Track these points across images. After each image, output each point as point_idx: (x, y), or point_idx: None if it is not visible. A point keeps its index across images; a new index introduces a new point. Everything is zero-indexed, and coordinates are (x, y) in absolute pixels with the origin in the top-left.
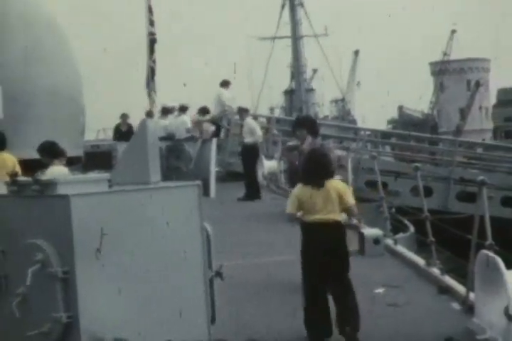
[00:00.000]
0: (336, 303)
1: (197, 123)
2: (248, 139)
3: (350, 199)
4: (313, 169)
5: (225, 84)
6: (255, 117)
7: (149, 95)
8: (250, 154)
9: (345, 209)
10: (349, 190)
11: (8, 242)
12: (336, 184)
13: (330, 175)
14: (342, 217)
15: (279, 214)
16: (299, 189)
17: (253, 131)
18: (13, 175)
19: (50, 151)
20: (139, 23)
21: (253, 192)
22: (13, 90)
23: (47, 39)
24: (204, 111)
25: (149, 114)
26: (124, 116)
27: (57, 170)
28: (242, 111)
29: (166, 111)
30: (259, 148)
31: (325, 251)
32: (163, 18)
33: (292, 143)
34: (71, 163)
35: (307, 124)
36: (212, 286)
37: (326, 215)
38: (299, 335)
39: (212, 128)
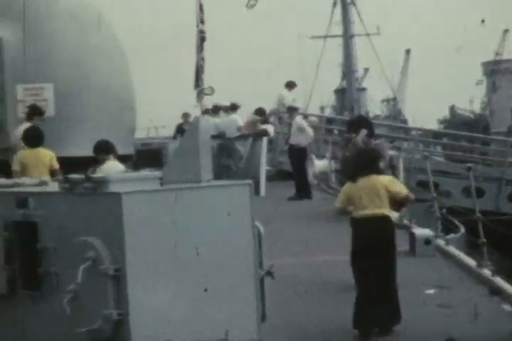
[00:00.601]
0: (378, 298)
1: (250, 124)
2: (297, 138)
3: (402, 189)
4: (360, 165)
5: (289, 85)
6: (306, 116)
7: (198, 93)
8: (298, 153)
9: (401, 200)
10: (397, 181)
11: (59, 239)
12: (382, 179)
13: (376, 171)
14: (391, 213)
15: (330, 213)
16: (348, 185)
17: (302, 130)
18: (53, 171)
19: (105, 148)
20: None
21: (303, 191)
22: (64, 89)
23: (98, 38)
24: (260, 112)
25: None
26: (186, 116)
27: (112, 165)
28: (292, 110)
29: (217, 110)
30: (309, 148)
31: (372, 246)
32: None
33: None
34: (122, 161)
35: (364, 125)
36: (263, 285)
37: (373, 210)
38: (349, 334)
39: (271, 128)
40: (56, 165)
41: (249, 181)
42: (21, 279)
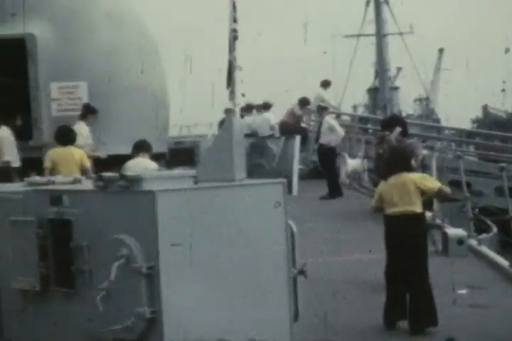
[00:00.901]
0: (410, 297)
1: (291, 114)
2: (327, 138)
3: (434, 184)
4: (392, 163)
5: (325, 84)
6: (338, 115)
7: (230, 92)
8: (328, 153)
9: (436, 195)
10: (429, 177)
11: (93, 237)
12: (412, 176)
13: (407, 168)
14: (421, 209)
15: (362, 212)
16: (381, 183)
17: (333, 129)
18: (84, 170)
19: (141, 147)
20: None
21: (334, 190)
22: (98, 87)
23: (132, 36)
24: (304, 102)
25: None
26: (230, 111)
27: (139, 161)
28: (322, 110)
29: (249, 108)
30: (338, 147)
31: (402, 244)
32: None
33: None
34: (155, 159)
35: (398, 123)
36: (296, 284)
37: (403, 207)
38: (382, 334)
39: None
40: (87, 164)
41: (283, 180)
42: (55, 277)
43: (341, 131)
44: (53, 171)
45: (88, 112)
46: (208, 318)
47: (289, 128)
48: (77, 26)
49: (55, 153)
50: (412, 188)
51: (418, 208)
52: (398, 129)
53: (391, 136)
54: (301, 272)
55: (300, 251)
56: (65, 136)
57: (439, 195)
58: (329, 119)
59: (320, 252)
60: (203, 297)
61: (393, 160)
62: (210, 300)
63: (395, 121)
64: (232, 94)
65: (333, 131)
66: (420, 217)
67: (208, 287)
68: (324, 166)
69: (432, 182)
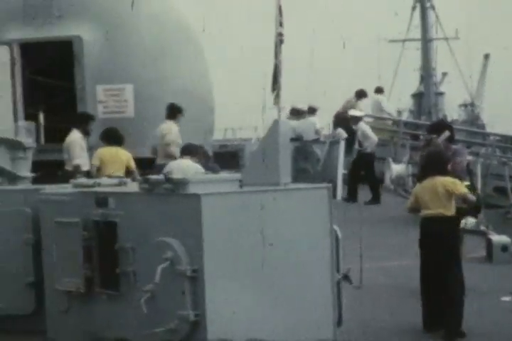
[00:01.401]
0: (442, 299)
1: (346, 105)
2: (363, 144)
3: (461, 189)
4: (427, 166)
5: (379, 90)
6: (382, 119)
7: (275, 96)
8: (365, 159)
9: (463, 201)
10: (458, 182)
11: (137, 239)
12: (443, 179)
13: (441, 172)
14: (452, 212)
15: (405, 218)
16: (417, 185)
17: (366, 136)
18: (129, 172)
19: (188, 151)
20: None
21: (375, 195)
22: (144, 90)
23: (177, 39)
24: (361, 94)
25: (294, 113)
26: (276, 100)
27: (179, 163)
28: (354, 119)
29: (294, 112)
30: (375, 152)
31: (431, 246)
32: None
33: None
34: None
35: (446, 127)
36: (340, 289)
37: (435, 210)
38: (420, 339)
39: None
40: (133, 166)
41: (328, 185)
42: (99, 278)
43: (374, 137)
44: (99, 170)
45: (176, 111)
46: (251, 321)
47: (345, 119)
48: (123, 29)
49: (103, 152)
50: (442, 191)
51: (449, 211)
52: (447, 133)
53: (438, 140)
54: (345, 277)
55: (344, 256)
56: (113, 137)
57: (465, 201)
58: (363, 126)
59: (364, 257)
60: (247, 300)
61: (428, 164)
62: (253, 304)
63: (443, 125)
64: (277, 98)
65: (366, 138)
66: (450, 219)
67: (252, 290)
68: (364, 172)
69: (460, 187)
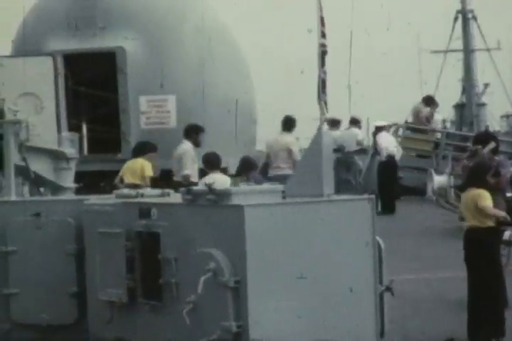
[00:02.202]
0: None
1: (415, 113)
2: (384, 154)
3: (482, 202)
4: (468, 177)
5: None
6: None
7: (321, 107)
8: (384, 168)
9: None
10: (484, 195)
11: (180, 250)
12: (474, 192)
13: (477, 184)
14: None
15: (447, 229)
16: (462, 196)
17: (380, 145)
18: (143, 177)
19: (211, 162)
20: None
21: (389, 205)
22: (187, 101)
23: (221, 51)
24: (428, 100)
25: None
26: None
27: (218, 178)
28: (377, 129)
29: (335, 123)
30: (395, 162)
31: (472, 257)
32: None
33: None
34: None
35: (492, 139)
36: (383, 301)
37: (471, 222)
38: None
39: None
40: (147, 172)
41: (371, 196)
42: (142, 289)
43: (392, 148)
44: (120, 181)
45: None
46: (294, 333)
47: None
48: (166, 40)
49: (126, 164)
50: (471, 204)
51: (482, 222)
52: (492, 144)
53: (484, 150)
54: (388, 289)
55: (386, 268)
56: (137, 149)
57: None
58: (380, 135)
59: (406, 269)
60: (290, 311)
61: (469, 175)
62: (296, 315)
63: (489, 136)
64: (322, 109)
65: (387, 149)
66: (486, 231)
67: (295, 301)
68: (383, 179)
69: (482, 200)
